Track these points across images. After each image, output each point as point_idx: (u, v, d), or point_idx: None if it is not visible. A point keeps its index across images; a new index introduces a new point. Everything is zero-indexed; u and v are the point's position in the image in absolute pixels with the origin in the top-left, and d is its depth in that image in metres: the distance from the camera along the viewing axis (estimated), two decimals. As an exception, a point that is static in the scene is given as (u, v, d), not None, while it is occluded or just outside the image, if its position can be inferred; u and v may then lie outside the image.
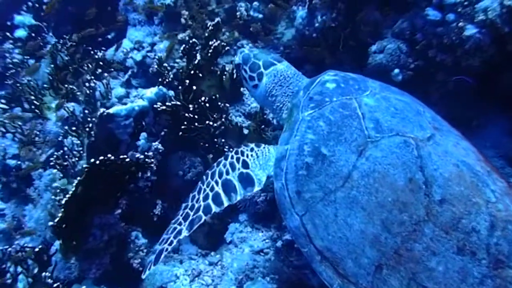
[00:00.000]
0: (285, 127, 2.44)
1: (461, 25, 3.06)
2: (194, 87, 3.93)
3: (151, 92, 4.01)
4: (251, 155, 2.57)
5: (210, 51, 4.34)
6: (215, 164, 2.64)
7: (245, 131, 4.07)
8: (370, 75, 2.54)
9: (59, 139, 4.45)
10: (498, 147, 3.33)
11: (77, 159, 3.92)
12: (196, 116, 3.82)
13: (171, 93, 4.13)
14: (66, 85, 4.82)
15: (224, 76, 4.35)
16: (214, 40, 4.40)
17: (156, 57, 4.91)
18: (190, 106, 3.85)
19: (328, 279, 2.07)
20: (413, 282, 1.87)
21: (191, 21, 5.13)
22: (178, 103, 3.89)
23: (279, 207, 2.30)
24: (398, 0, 3.55)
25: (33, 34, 5.74)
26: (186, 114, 3.82)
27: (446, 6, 3.14)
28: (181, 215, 2.54)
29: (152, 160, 3.70)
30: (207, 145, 3.90)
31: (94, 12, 5.61)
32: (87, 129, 3.94)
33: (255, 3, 4.98)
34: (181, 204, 2.63)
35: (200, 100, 3.88)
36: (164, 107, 3.89)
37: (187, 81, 3.95)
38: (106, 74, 5.01)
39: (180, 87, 4.02)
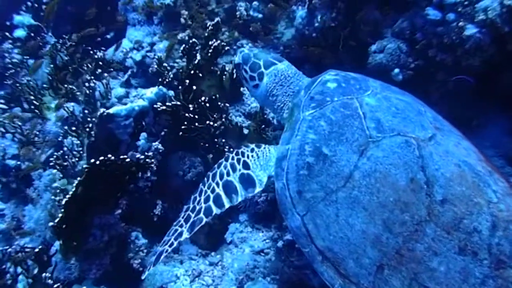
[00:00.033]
0: (286, 126, 2.44)
1: (461, 24, 3.06)
2: (194, 87, 3.93)
3: (151, 92, 4.01)
4: (252, 156, 2.57)
5: (210, 51, 4.34)
6: (216, 165, 2.63)
7: (245, 131, 4.07)
8: (370, 74, 2.54)
9: (59, 139, 4.44)
10: (498, 146, 3.33)
11: (77, 159, 3.92)
12: (196, 116, 3.82)
13: (171, 93, 4.13)
14: (65, 85, 4.82)
15: (224, 76, 4.34)
16: (214, 40, 4.40)
17: (156, 57, 4.90)
18: (190, 106, 3.85)
19: (330, 279, 2.07)
20: (414, 282, 1.87)
21: (190, 21, 5.12)
22: (178, 103, 3.88)
23: (280, 207, 2.30)
24: (398, 0, 3.55)
25: (32, 34, 5.72)
26: (186, 114, 3.81)
27: (446, 6, 3.14)
28: (183, 217, 2.54)
29: (152, 160, 3.69)
30: (207, 145, 3.90)
31: (94, 12, 5.60)
32: (87, 129, 3.94)
33: (255, 3, 4.98)
34: (183, 205, 2.63)
35: (200, 100, 3.88)
36: (164, 107, 3.88)
37: (187, 81, 3.95)
38: (105, 74, 5.00)
39: (180, 87, 4.01)
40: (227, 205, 2.45)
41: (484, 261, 1.81)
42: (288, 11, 4.58)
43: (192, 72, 4.04)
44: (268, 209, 3.68)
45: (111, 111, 3.70)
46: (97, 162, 3.16)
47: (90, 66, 5.08)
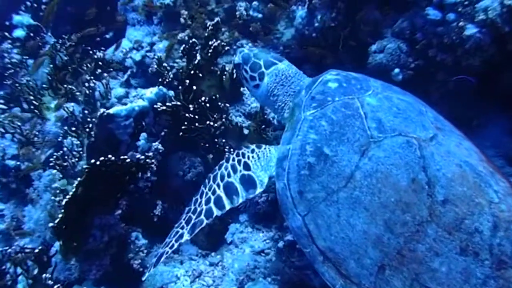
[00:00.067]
0: (287, 126, 2.43)
1: (461, 24, 3.06)
2: (194, 87, 3.92)
3: (151, 92, 4.00)
4: (252, 157, 2.56)
5: (210, 51, 4.33)
6: (216, 167, 2.63)
7: (246, 131, 4.06)
8: (370, 74, 2.54)
9: (59, 139, 4.43)
10: (498, 146, 3.34)
11: (76, 159, 3.91)
12: (196, 116, 3.81)
13: (171, 93, 4.12)
14: (65, 85, 4.80)
15: (224, 76, 4.34)
16: (214, 40, 4.39)
17: (156, 57, 4.89)
18: (190, 106, 3.84)
19: (331, 280, 2.06)
20: (416, 283, 1.87)
21: (190, 21, 5.11)
22: (178, 103, 3.88)
23: (281, 207, 2.29)
24: (398, 0, 3.55)
25: (31, 34, 5.71)
26: (186, 114, 3.81)
27: (446, 6, 3.14)
28: (184, 219, 2.54)
29: (152, 160, 3.69)
30: (207, 145, 3.89)
31: (94, 12, 5.59)
32: (87, 129, 3.93)
33: (255, 3, 4.97)
34: (184, 206, 2.63)
35: (200, 100, 3.87)
36: (164, 107, 3.87)
37: (187, 81, 3.94)
38: (105, 74, 4.99)
39: (180, 87, 4.00)
40: (228, 206, 2.45)
41: (486, 262, 1.81)
42: (288, 11, 4.57)
43: (192, 72, 4.03)
44: (268, 209, 3.67)
45: (111, 111, 3.69)
46: (97, 163, 3.16)
47: (89, 66, 5.07)
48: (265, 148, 2.59)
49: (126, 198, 3.55)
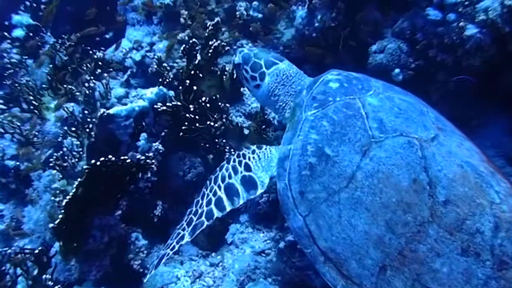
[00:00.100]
0: (287, 126, 2.43)
1: (461, 25, 3.05)
2: (195, 87, 3.92)
3: (151, 92, 4.00)
4: (253, 158, 2.56)
5: (210, 51, 4.32)
6: (217, 168, 2.63)
7: (246, 132, 4.06)
8: (370, 75, 2.54)
9: (59, 139, 4.42)
10: (499, 146, 3.34)
11: (76, 160, 3.90)
12: (196, 117, 3.81)
13: (171, 93, 4.12)
14: (65, 85, 4.80)
15: (224, 76, 4.34)
16: (214, 40, 4.39)
17: (156, 57, 4.89)
18: (191, 106, 3.84)
19: (332, 280, 2.06)
20: (417, 283, 1.86)
21: (190, 21, 5.11)
22: (179, 103, 3.87)
23: (282, 207, 2.29)
24: (398, 0, 3.55)
25: (31, 34, 5.70)
26: (187, 115, 3.80)
27: (446, 6, 3.14)
28: (185, 221, 2.54)
29: (153, 160, 3.68)
30: (207, 145, 3.89)
31: (94, 12, 5.58)
32: (87, 129, 3.92)
33: (255, 3, 4.96)
34: (185, 208, 2.63)
35: (200, 100, 3.87)
36: (164, 108, 3.87)
37: (187, 81, 3.94)
38: (105, 74, 4.98)
39: (180, 87, 4.00)
40: (228, 208, 2.44)
41: (487, 262, 1.81)
42: (288, 11, 4.56)
43: (192, 72, 4.03)
44: (269, 209, 3.67)
45: (111, 111, 3.69)
46: (97, 163, 3.15)
47: (89, 66, 5.06)
48: (265, 149, 2.59)
49: (126, 198, 3.55)
